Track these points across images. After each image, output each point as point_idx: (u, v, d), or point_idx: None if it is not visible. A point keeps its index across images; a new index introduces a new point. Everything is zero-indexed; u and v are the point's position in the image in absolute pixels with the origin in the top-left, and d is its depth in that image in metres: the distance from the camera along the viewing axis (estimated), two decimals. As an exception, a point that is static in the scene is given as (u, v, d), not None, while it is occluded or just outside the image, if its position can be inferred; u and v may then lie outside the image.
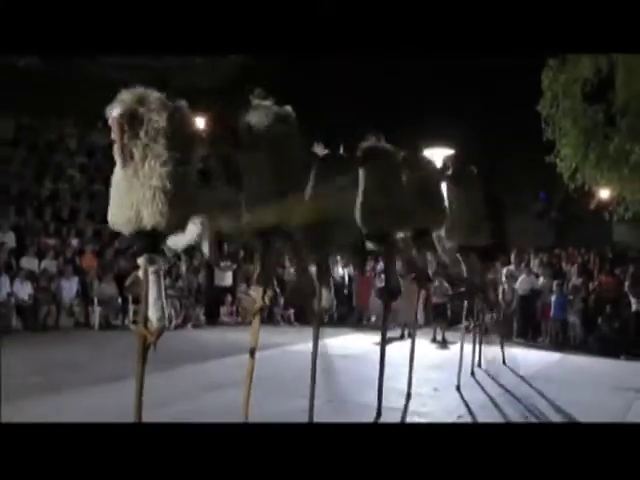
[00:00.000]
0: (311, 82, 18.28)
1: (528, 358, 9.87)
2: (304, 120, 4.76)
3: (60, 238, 13.22)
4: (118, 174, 3.82)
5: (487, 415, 6.16)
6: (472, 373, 8.03)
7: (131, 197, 3.71)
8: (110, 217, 3.89)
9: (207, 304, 13.46)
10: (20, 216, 13.38)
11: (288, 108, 4.73)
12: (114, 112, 3.70)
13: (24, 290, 11.34)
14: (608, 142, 13.42)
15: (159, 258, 3.89)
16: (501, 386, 7.51)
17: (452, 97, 18.66)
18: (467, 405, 6.55)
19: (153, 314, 3.90)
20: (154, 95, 3.82)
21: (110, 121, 3.73)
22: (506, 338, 11.89)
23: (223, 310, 13.47)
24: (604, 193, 15.76)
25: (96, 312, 11.87)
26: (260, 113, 4.51)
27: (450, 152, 13.95)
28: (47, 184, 15.04)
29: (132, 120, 3.70)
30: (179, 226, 3.85)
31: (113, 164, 3.88)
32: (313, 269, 5.21)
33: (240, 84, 16.91)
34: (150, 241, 3.81)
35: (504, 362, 8.72)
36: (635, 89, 12.90)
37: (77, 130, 17.26)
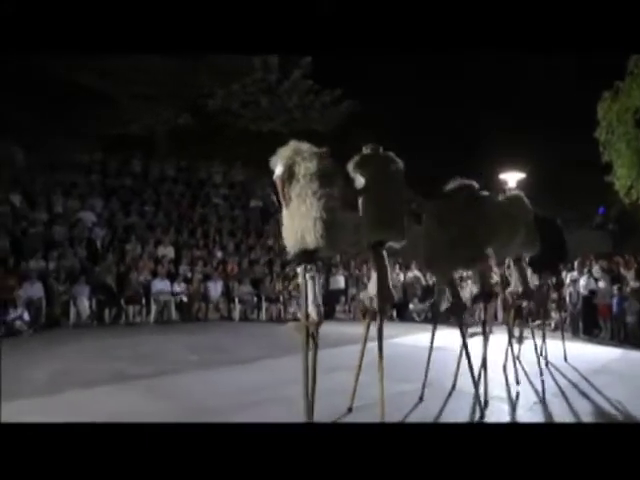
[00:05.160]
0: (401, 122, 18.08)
1: (594, 353, 9.11)
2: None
3: (207, 251, 13.69)
4: (284, 212, 4.08)
5: (558, 403, 5.70)
6: (547, 364, 7.48)
7: (296, 226, 3.95)
8: (284, 241, 4.13)
9: (325, 303, 13.43)
10: (178, 234, 14.00)
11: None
12: (276, 172, 3.99)
13: (181, 290, 11.85)
14: (659, 162, 12.55)
15: (314, 267, 4.12)
16: (570, 377, 6.92)
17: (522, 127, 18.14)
18: (541, 393, 6.06)
19: (312, 310, 4.12)
20: (305, 146, 4.03)
21: (274, 178, 4.02)
22: (574, 335, 11.16)
23: (338, 308, 13.37)
24: (656, 206, 14.68)
25: (237, 308, 12.21)
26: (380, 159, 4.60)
27: (522, 176, 13.43)
28: (198, 210, 15.68)
29: (290, 172, 3.93)
30: (334, 244, 4.02)
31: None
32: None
33: (346, 128, 17.15)
34: (309, 256, 4.04)
35: (565, 359, 7.93)
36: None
37: (222, 168, 17.90)
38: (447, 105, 18.72)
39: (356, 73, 16.24)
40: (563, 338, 8.26)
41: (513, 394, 5.88)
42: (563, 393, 6.13)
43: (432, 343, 5.57)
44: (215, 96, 17.81)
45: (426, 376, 5.45)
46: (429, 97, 18.48)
